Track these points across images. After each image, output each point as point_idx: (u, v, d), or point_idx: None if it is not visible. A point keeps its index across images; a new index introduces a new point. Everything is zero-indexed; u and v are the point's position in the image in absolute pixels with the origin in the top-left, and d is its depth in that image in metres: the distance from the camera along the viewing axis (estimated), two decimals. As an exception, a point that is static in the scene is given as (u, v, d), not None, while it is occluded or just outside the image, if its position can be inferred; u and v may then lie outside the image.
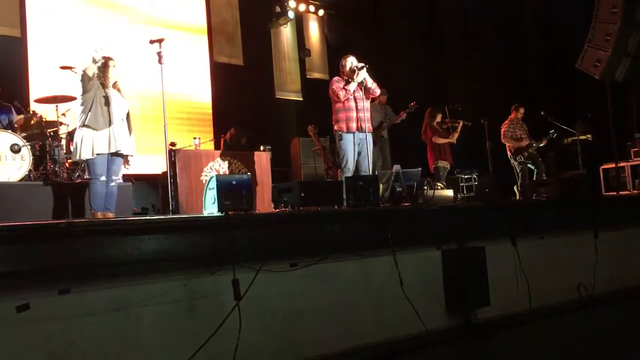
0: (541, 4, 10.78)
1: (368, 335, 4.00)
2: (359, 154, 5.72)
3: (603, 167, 9.02)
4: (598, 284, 5.27)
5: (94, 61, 4.96)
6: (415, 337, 4.14)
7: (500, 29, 10.88)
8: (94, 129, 4.85)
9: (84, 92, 4.95)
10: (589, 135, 8.92)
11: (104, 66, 5.00)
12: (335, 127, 5.77)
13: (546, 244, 5.16)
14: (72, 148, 5.24)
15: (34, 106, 6.60)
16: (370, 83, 5.79)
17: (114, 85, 5.08)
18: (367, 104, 5.81)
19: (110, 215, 4.98)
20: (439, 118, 8.09)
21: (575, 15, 8.51)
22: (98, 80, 4.96)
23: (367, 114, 5.76)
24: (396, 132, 8.74)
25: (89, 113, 4.87)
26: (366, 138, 5.69)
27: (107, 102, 4.90)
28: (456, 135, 8.15)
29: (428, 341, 4.13)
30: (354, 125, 5.70)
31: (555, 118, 8.46)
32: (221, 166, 6.66)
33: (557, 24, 10.26)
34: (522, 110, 8.51)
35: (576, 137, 8.92)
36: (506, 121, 8.49)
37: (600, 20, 6.84)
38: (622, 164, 8.47)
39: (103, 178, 4.94)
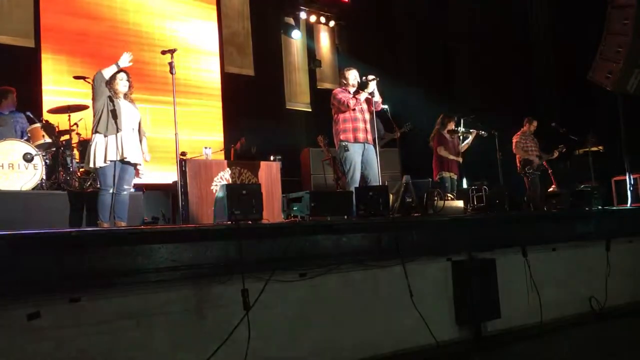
0: (553, 15, 10.79)
1: (377, 347, 3.98)
2: (366, 164, 5.71)
3: (615, 179, 8.95)
4: (610, 297, 5.22)
5: (117, 64, 5.02)
6: (424, 348, 4.11)
7: (513, 38, 10.89)
8: (103, 135, 4.92)
9: (95, 96, 5.01)
10: (600, 147, 8.87)
11: (112, 78, 5.07)
12: (342, 137, 5.71)
13: (557, 256, 5.13)
14: (86, 157, 5.29)
15: (46, 116, 6.67)
16: (378, 97, 5.81)
17: (126, 96, 5.14)
18: (369, 116, 5.78)
19: (122, 224, 5.00)
20: (450, 126, 8.04)
21: (586, 26, 8.50)
22: (108, 91, 5.02)
23: (370, 126, 5.76)
24: (405, 141, 8.74)
25: (100, 120, 4.95)
26: (372, 149, 5.71)
27: (116, 112, 4.96)
28: (466, 147, 8.12)
29: (437, 353, 4.10)
30: (360, 135, 5.70)
31: (566, 130, 8.44)
32: (231, 176, 6.68)
33: (569, 35, 10.25)
34: (535, 124, 8.53)
35: (588, 149, 8.87)
36: (518, 132, 8.49)
37: (611, 32, 6.83)
38: (634, 176, 8.40)
39: (112, 190, 4.97)
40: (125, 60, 5.04)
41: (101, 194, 4.97)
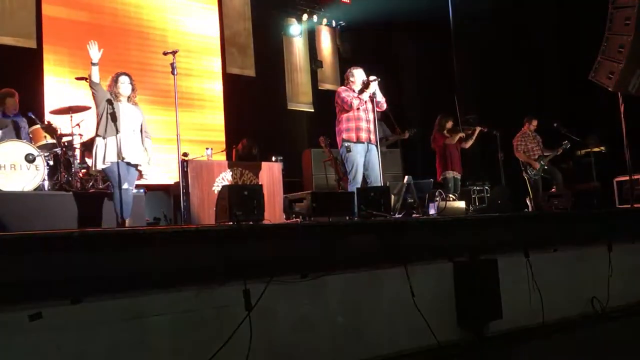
0: (555, 14, 10.78)
1: (379, 348, 3.98)
2: (368, 165, 5.71)
3: (617, 179, 8.94)
4: (612, 298, 5.21)
5: (93, 64, 5.03)
6: (426, 349, 4.11)
7: (513, 38, 10.87)
8: (102, 138, 4.96)
9: (96, 102, 5.06)
10: (602, 147, 8.85)
11: (114, 82, 5.09)
12: (345, 136, 5.70)
13: (559, 256, 5.12)
14: (88, 160, 5.32)
15: (48, 117, 6.68)
16: (380, 97, 5.80)
17: (129, 99, 5.17)
18: (372, 116, 5.79)
19: (126, 221, 5.05)
20: (449, 125, 8.06)
21: (589, 25, 8.49)
22: (108, 95, 5.05)
23: (373, 126, 5.75)
24: (406, 143, 8.76)
25: (100, 123, 5.00)
26: (374, 149, 5.71)
27: (115, 115, 5.00)
28: (470, 142, 8.12)
29: (439, 354, 4.10)
30: (363, 135, 5.69)
31: (568, 130, 8.43)
32: (233, 176, 6.68)
33: (571, 34, 10.25)
34: (535, 122, 8.48)
35: (590, 150, 8.86)
36: (518, 134, 8.47)
37: (613, 32, 6.81)
38: (636, 176, 8.39)
39: (125, 185, 5.01)
40: (95, 54, 5.05)
41: (114, 192, 5.02)
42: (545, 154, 8.35)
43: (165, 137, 7.92)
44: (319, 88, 11.04)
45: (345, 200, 4.71)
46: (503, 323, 4.52)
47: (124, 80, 5.13)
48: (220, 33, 9.79)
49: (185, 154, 6.45)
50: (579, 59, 8.70)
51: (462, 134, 7.98)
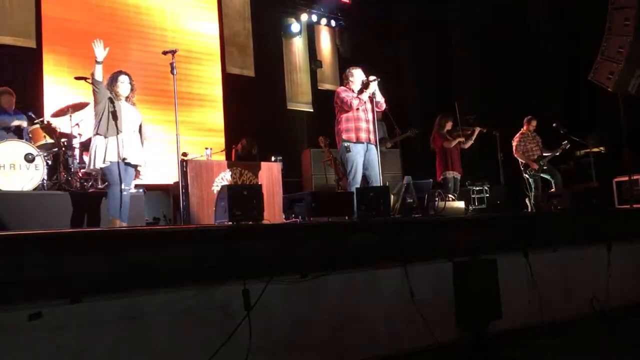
0: (555, 14, 10.79)
1: (378, 348, 3.97)
2: (368, 165, 5.71)
3: (616, 179, 8.94)
4: (611, 298, 5.21)
5: (97, 62, 5.01)
6: (425, 349, 4.11)
7: (513, 39, 10.88)
8: (104, 137, 4.94)
9: (97, 99, 5.04)
10: (602, 148, 8.86)
11: (114, 81, 5.08)
12: (344, 137, 5.69)
13: (559, 256, 5.12)
14: (85, 158, 5.31)
15: (49, 118, 6.67)
16: (379, 97, 5.80)
17: (128, 99, 5.15)
18: (372, 116, 5.78)
19: (123, 224, 5.01)
20: (449, 126, 8.05)
21: (589, 26, 8.49)
22: (109, 93, 5.04)
23: (372, 126, 5.75)
24: (406, 143, 8.76)
25: (100, 122, 4.98)
26: (374, 149, 5.71)
27: (116, 114, 4.98)
28: (470, 142, 8.11)
29: (438, 354, 4.10)
30: (363, 135, 5.69)
31: (568, 130, 8.43)
32: (232, 176, 6.68)
33: (571, 34, 10.26)
34: (534, 123, 8.49)
35: (589, 150, 8.86)
36: (517, 135, 8.48)
37: (612, 32, 6.82)
38: (636, 177, 8.39)
39: (123, 185, 5.00)
40: (100, 52, 5.01)
41: (110, 189, 5.00)
42: (544, 154, 8.35)
43: (164, 137, 7.94)
44: (319, 88, 11.05)
45: (345, 200, 4.72)
46: (503, 323, 4.52)
47: (123, 80, 5.11)
48: (220, 33, 9.79)
49: (184, 154, 6.45)
50: (579, 59, 8.72)
51: (461, 139, 7.98)
